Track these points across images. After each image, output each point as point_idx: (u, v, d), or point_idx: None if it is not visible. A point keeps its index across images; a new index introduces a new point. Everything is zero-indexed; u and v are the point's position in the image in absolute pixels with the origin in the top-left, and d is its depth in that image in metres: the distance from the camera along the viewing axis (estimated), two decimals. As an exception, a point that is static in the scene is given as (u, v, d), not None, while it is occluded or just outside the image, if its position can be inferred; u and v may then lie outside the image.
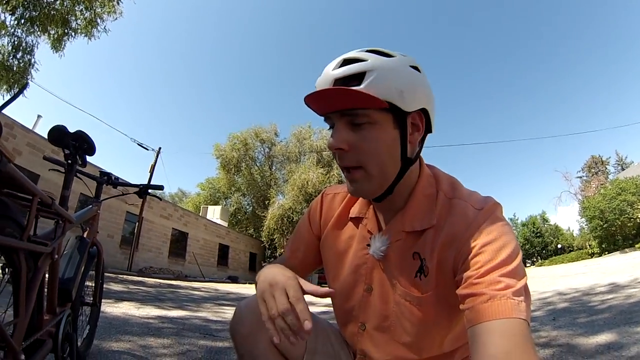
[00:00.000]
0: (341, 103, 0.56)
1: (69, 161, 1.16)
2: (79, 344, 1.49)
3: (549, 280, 7.47)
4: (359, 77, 0.55)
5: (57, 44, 8.45)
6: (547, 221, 43.26)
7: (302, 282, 0.58)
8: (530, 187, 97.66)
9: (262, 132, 27.99)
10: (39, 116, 16.19)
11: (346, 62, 0.57)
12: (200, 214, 23.10)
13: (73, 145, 1.17)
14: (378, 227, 0.69)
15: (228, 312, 4.20)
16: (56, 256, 0.92)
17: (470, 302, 0.50)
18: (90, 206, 1.55)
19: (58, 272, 1.09)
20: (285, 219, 22.18)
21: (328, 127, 0.63)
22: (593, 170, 38.61)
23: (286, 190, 23.98)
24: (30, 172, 10.56)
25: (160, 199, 2.05)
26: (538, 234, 40.73)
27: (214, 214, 24.15)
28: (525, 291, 0.50)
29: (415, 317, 0.62)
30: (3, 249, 0.63)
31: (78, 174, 1.35)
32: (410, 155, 0.61)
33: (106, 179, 1.66)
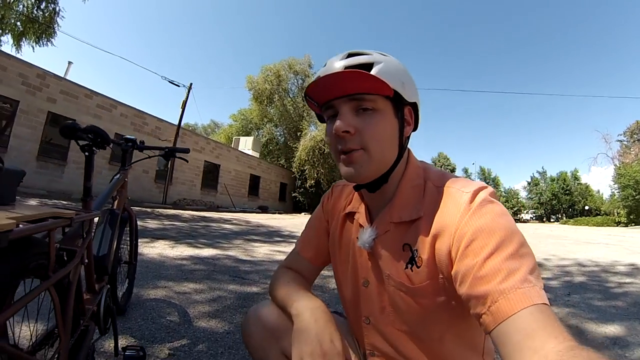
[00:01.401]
0: (352, 87, 0.59)
1: (87, 153, 1.19)
2: (119, 297, 1.70)
3: (571, 245, 7.35)
4: (367, 68, 0.59)
5: (81, -11, 8.18)
6: (577, 180, 40.86)
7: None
8: (566, 143, 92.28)
9: (295, 63, 27.25)
10: (69, 63, 16.84)
11: (351, 55, 0.62)
12: (232, 145, 23.73)
13: (89, 138, 1.19)
14: (369, 220, 0.71)
15: (257, 250, 4.54)
16: (86, 261, 1.00)
17: (480, 307, 0.48)
18: (117, 176, 1.62)
19: (92, 253, 1.20)
20: (316, 151, 22.44)
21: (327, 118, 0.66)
22: (636, 136, 34.83)
23: (318, 122, 23.83)
24: (66, 118, 11.09)
25: (187, 161, 2.12)
26: (567, 192, 38.91)
27: (246, 144, 24.71)
28: (532, 271, 0.47)
29: (410, 307, 0.63)
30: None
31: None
32: (403, 145, 0.65)
33: (131, 145, 1.72)
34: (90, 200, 1.22)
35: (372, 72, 0.58)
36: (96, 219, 1.36)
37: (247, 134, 29.38)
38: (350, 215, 0.76)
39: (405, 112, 0.64)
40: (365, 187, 0.67)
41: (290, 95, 27.92)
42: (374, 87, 0.58)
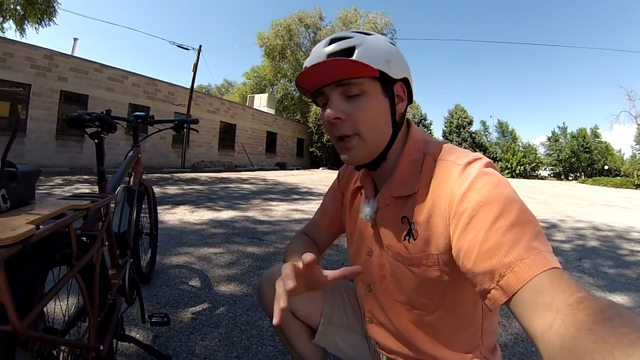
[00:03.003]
0: (337, 74, 0.60)
1: (96, 140, 1.22)
2: (143, 267, 1.82)
3: (587, 207, 7.22)
4: (349, 52, 0.60)
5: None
6: (598, 137, 38.23)
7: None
8: (587, 98, 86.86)
9: (306, 16, 26.21)
10: (75, 39, 16.88)
11: (334, 40, 0.63)
12: (247, 104, 23.50)
13: (96, 126, 1.21)
14: (375, 193, 0.75)
15: (275, 210, 4.68)
16: (107, 243, 1.07)
17: (488, 283, 0.48)
18: (130, 154, 1.67)
19: (113, 231, 1.27)
20: (332, 102, 22.34)
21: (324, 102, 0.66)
22: (662, 94, 31.31)
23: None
24: (79, 94, 11.20)
25: (197, 131, 2.14)
26: (587, 149, 36.63)
27: (261, 102, 24.40)
28: (536, 237, 0.47)
29: (406, 275, 0.66)
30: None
31: (115, 119, 1.39)
32: (397, 122, 0.66)
33: (140, 121, 1.75)
34: (106, 183, 1.28)
35: (354, 56, 0.59)
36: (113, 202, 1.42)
37: (262, 91, 29.04)
38: (359, 189, 0.80)
39: (397, 89, 0.65)
40: (365, 166, 0.70)
41: (303, 50, 27.07)
42: (357, 70, 0.59)
